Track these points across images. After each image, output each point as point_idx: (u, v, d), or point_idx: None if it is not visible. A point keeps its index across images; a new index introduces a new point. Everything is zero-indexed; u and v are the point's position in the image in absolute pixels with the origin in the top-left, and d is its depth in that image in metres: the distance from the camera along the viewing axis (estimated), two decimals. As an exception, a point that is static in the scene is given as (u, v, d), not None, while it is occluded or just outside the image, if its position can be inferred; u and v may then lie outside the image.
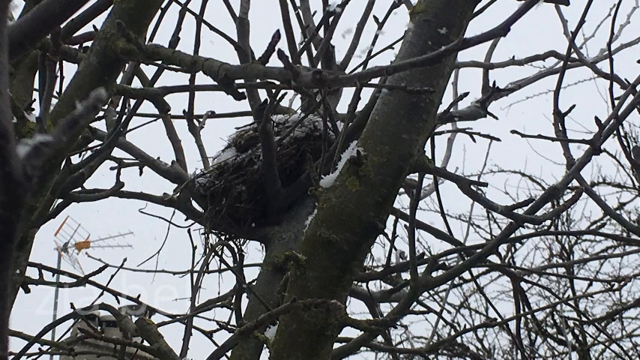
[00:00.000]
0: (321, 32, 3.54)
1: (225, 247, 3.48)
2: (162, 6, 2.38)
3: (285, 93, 3.38)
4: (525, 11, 1.36)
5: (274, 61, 1.41)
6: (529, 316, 6.53)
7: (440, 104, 2.20)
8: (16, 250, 2.13)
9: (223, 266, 3.43)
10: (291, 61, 1.32)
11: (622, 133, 2.49)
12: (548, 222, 4.16)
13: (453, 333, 6.35)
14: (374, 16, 3.67)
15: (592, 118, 2.45)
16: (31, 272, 3.00)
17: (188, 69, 1.69)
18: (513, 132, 2.55)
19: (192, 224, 3.50)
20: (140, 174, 3.58)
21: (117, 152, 3.34)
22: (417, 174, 2.35)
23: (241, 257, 3.20)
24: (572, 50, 2.99)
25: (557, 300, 7.21)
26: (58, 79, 2.31)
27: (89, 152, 2.96)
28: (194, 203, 3.55)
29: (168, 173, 3.55)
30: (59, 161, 2.01)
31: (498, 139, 2.80)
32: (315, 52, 3.62)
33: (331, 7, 3.35)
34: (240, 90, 1.57)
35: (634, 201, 7.91)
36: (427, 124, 2.11)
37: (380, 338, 3.66)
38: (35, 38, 1.68)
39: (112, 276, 3.17)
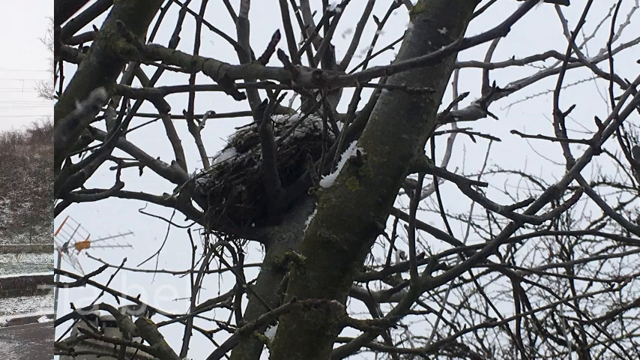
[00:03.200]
0: (321, 32, 3.54)
1: (225, 247, 3.48)
2: (163, 6, 2.38)
3: (285, 93, 3.37)
4: (525, 11, 1.36)
5: (274, 61, 1.42)
6: (529, 316, 6.52)
7: (440, 104, 2.19)
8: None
9: (223, 266, 3.43)
10: (291, 61, 1.32)
11: (622, 133, 2.49)
12: (548, 222, 4.16)
13: (453, 333, 6.35)
14: (374, 16, 3.67)
15: (592, 118, 2.45)
16: (31, 272, 3.00)
17: (188, 69, 1.69)
18: (513, 132, 2.55)
19: (192, 224, 3.50)
20: (140, 174, 3.57)
21: (117, 152, 3.34)
22: (417, 174, 2.35)
23: (241, 257, 3.20)
24: (572, 50, 2.99)
25: (557, 300, 7.20)
26: (58, 79, 2.31)
27: (89, 152, 2.96)
28: (194, 203, 3.55)
29: (168, 173, 3.55)
30: (59, 161, 2.01)
31: (498, 139, 2.80)
32: (315, 52, 3.62)
33: (331, 7, 3.35)
34: (240, 90, 1.57)
35: (634, 201, 7.90)
36: (427, 124, 2.11)
37: (380, 338, 3.65)
38: (35, 38, 1.67)
39: (112, 276, 3.17)
